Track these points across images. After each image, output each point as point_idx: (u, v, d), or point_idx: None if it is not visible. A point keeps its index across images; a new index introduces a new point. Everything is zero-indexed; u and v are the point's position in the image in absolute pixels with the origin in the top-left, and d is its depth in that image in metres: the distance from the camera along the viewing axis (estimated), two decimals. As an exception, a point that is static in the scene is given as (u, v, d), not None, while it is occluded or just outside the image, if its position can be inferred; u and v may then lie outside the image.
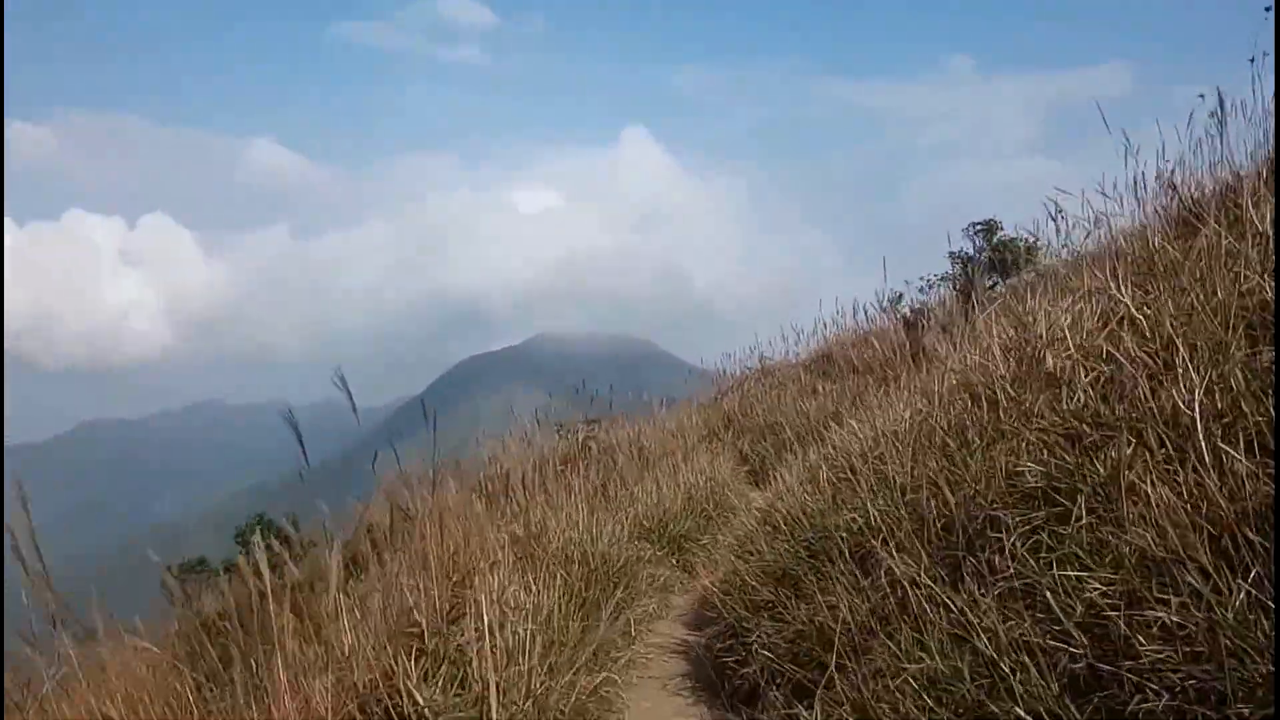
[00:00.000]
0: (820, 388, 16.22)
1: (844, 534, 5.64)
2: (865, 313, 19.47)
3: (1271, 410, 3.64)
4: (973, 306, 14.14)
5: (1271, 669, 2.90)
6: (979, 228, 16.23)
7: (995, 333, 6.84)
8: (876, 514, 5.46)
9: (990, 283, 16.36)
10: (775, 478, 10.90)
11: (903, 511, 5.36)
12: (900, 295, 19.68)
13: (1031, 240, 15.67)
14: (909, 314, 15.51)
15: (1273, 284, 4.37)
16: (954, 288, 16.83)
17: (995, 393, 5.55)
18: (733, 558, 7.26)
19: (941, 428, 5.88)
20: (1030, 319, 6.03)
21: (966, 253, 16.55)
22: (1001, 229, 16.15)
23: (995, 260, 15.93)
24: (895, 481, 5.78)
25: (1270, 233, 4.85)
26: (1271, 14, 5.98)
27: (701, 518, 9.28)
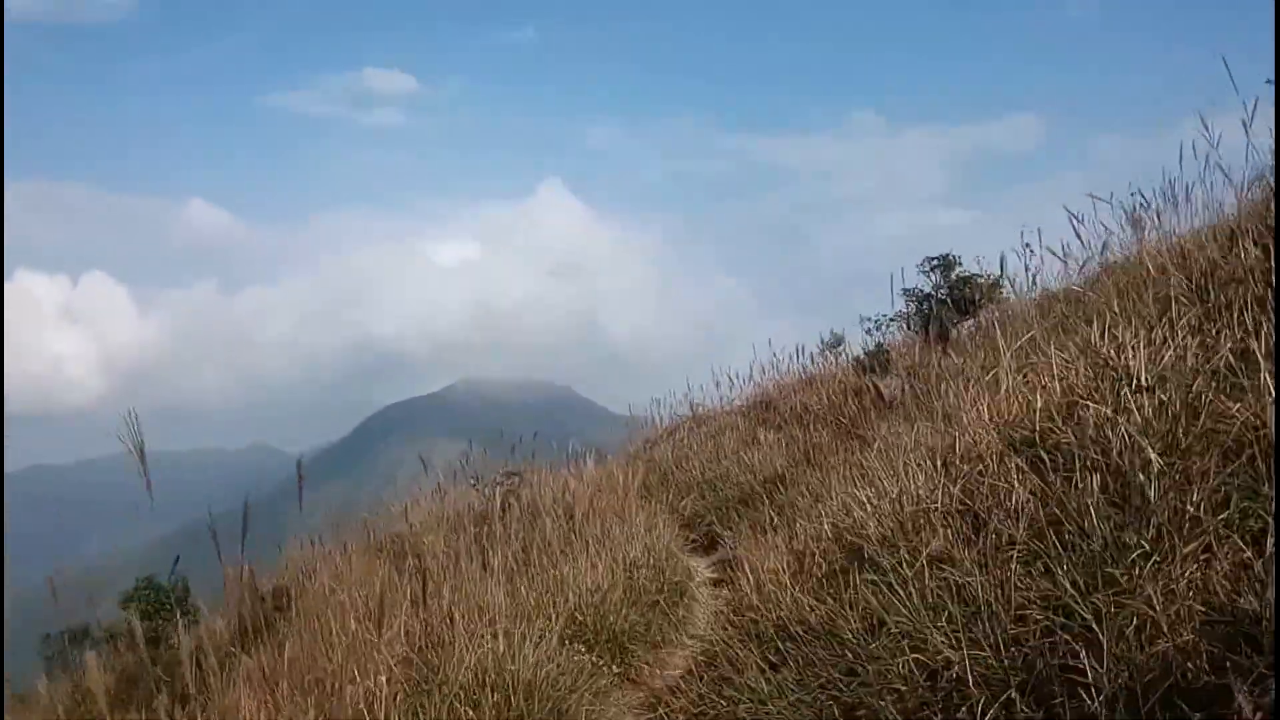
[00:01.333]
0: (762, 436, 14.64)
1: (899, 685, 3.78)
2: (808, 356, 18.10)
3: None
4: (942, 347, 12.77)
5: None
6: (935, 262, 14.87)
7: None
8: (961, 658, 3.56)
9: (952, 321, 15.02)
10: (735, 561, 9.30)
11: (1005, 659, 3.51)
12: (840, 338, 18.29)
13: (992, 277, 14.40)
14: (863, 357, 14.06)
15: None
16: (909, 328, 15.46)
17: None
18: (702, 688, 5.46)
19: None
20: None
21: (922, 290, 15.18)
22: (960, 264, 14.81)
23: (955, 298, 14.59)
24: (985, 603, 3.84)
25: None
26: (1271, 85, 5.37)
27: (646, 605, 7.59)
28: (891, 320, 15.97)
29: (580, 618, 6.53)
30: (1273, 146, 5.34)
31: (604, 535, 8.90)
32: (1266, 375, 3.68)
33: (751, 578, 6.97)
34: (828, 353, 18.20)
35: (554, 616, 6.40)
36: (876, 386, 12.86)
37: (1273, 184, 5.70)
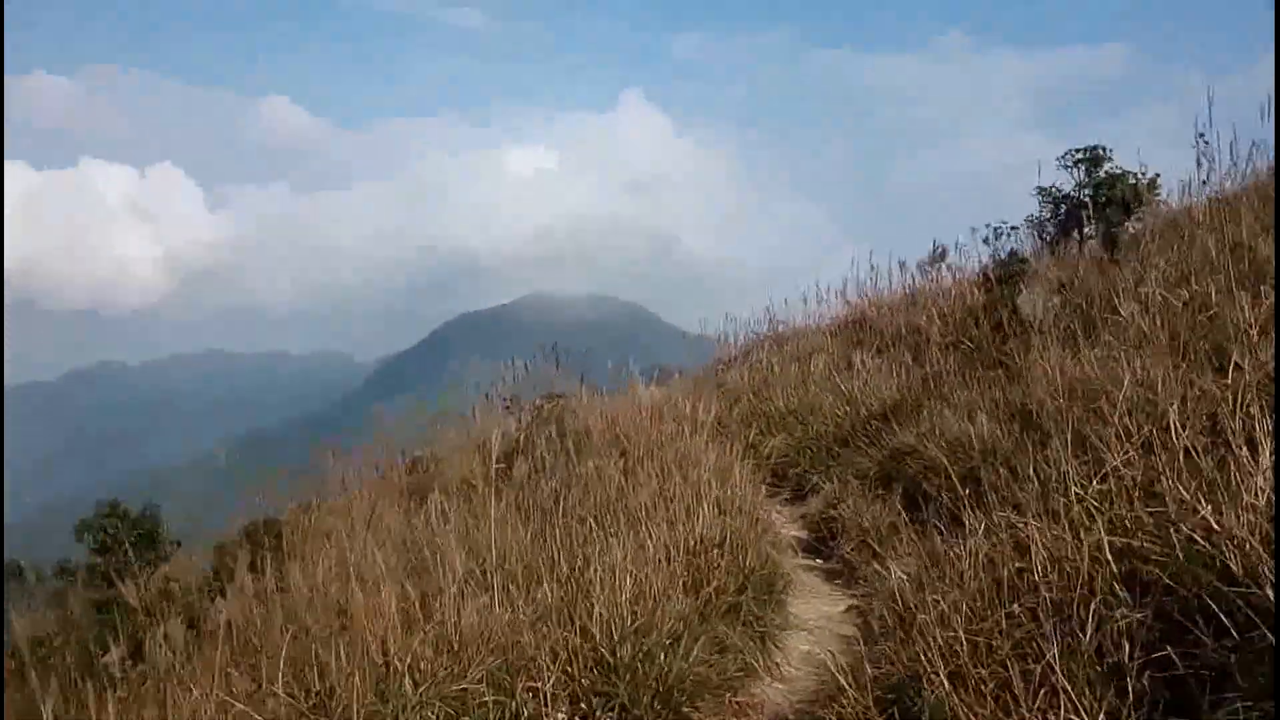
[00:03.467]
0: (858, 360, 12.10)
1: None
2: (909, 274, 15.44)
3: None
4: (1108, 255, 10.10)
5: None
6: (1080, 155, 12.07)
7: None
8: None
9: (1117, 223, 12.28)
10: (842, 527, 6.96)
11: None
12: (945, 251, 15.57)
13: (1150, 176, 11.60)
14: (991, 268, 11.43)
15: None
16: (1040, 236, 12.72)
17: None
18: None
19: None
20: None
21: (1060, 189, 12.43)
22: (1109, 158, 12.01)
23: (1101, 199, 11.85)
24: None
25: None
26: None
27: (725, 617, 5.03)
28: (1014, 229, 13.23)
29: (604, 650, 4.11)
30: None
31: (660, 495, 6.52)
32: None
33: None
34: (931, 267, 15.53)
35: (554, 661, 4.01)
36: (1013, 304, 10.24)
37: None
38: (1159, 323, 7.14)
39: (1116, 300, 8.23)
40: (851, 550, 6.96)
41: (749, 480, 8.71)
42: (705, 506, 6.13)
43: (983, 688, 3.15)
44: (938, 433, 7.93)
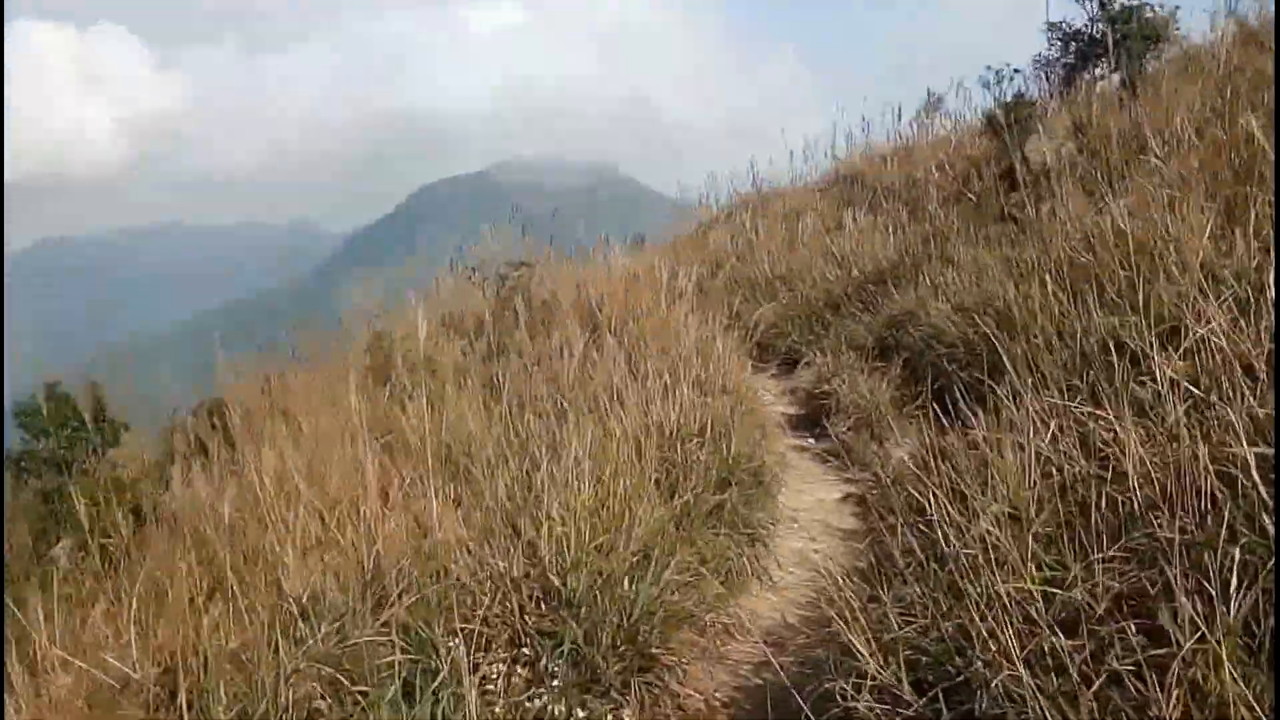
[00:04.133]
0: (849, 220, 11.21)
1: None
2: (905, 123, 14.41)
3: None
4: (1131, 91, 9.12)
5: None
6: (1093, -12, 10.95)
7: None
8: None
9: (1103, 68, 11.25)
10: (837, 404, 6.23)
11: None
12: (941, 99, 14.49)
13: (1171, 8, 10.54)
14: (997, 112, 10.43)
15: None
16: (1049, 79, 11.65)
17: None
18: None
19: None
20: None
21: (1070, 25, 11.34)
22: (1124, -14, 10.90)
23: (1118, 34, 10.78)
24: None
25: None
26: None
27: (707, 520, 4.18)
28: (1017, 72, 12.11)
29: (557, 585, 3.28)
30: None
31: (632, 374, 5.69)
32: None
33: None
34: (927, 117, 14.47)
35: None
36: (1021, 151, 9.30)
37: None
38: (1198, 165, 6.25)
39: (1144, 140, 7.33)
40: (848, 430, 6.20)
41: (733, 354, 7.92)
42: (684, 387, 5.32)
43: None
44: (942, 296, 7.10)
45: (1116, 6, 10.90)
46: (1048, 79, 11.71)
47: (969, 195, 9.50)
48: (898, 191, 11.54)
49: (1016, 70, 11.90)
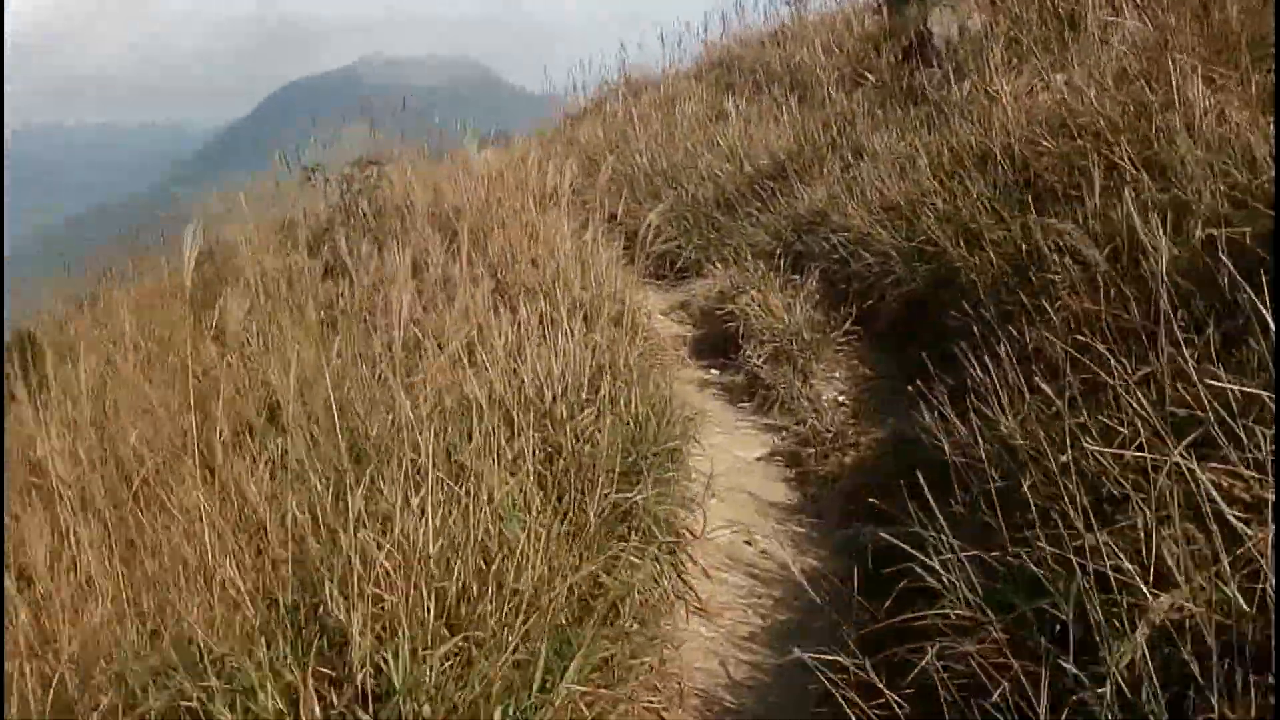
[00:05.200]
0: (731, 107, 10.09)
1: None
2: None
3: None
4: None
5: None
6: None
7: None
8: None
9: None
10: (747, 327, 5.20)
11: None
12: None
13: None
14: (890, -18, 9.36)
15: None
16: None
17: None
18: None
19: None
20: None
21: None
22: None
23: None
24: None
25: None
26: None
27: (611, 541, 2.87)
28: None
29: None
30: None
31: (501, 300, 4.55)
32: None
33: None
34: (803, -4, 13.30)
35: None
36: (925, 25, 8.29)
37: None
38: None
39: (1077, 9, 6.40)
40: (763, 361, 5.17)
41: (619, 267, 6.82)
42: (566, 321, 4.19)
43: None
44: (858, 193, 6.09)
45: None
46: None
47: (867, 77, 8.47)
48: (781, 76, 10.43)
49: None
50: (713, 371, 5.82)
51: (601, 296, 5.43)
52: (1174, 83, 4.07)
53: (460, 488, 2.55)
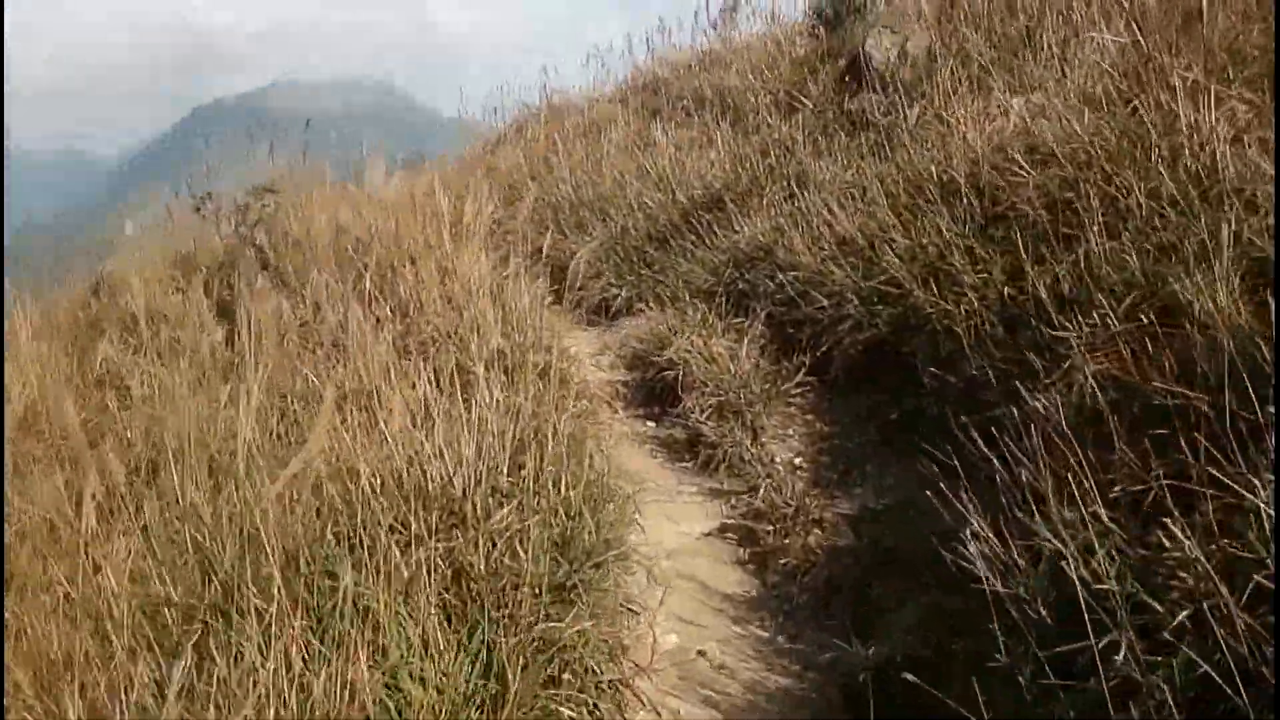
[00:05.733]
0: (660, 133, 9.59)
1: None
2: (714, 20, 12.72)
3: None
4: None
5: None
6: None
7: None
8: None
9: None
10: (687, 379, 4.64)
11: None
12: None
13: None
14: (826, 3, 8.90)
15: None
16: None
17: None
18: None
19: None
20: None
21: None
22: None
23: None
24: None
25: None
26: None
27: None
28: None
29: None
30: None
31: (402, 354, 3.91)
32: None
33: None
34: (728, 19, 12.83)
35: None
36: (863, 49, 7.85)
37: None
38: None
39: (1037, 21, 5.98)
40: (706, 416, 4.58)
41: (544, 307, 6.20)
42: (483, 383, 3.56)
43: None
44: (803, 226, 5.57)
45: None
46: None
47: (803, 101, 7.98)
48: (711, 101, 9.93)
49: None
50: (649, 424, 5.23)
51: (525, 345, 4.82)
52: (1167, 101, 3.61)
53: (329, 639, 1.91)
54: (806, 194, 5.86)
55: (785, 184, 6.41)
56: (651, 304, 6.24)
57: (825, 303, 4.74)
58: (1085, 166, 3.71)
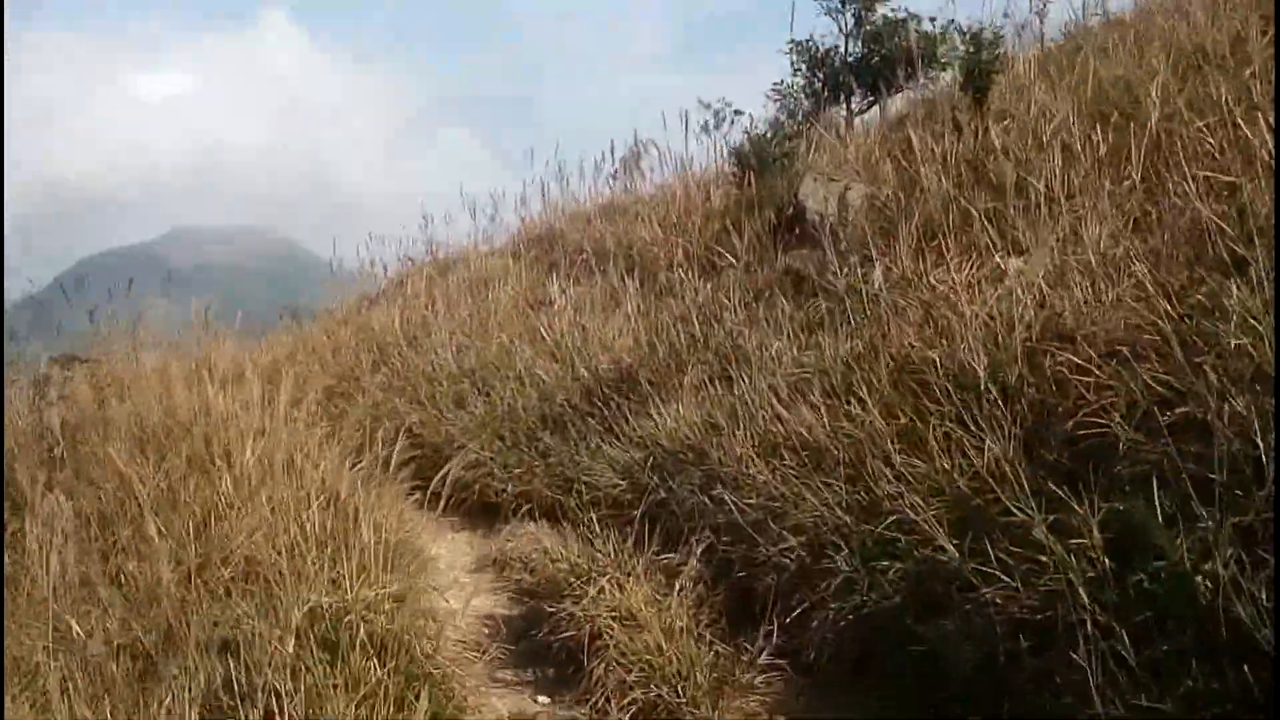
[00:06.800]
0: (556, 290, 8.28)
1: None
2: (612, 171, 11.58)
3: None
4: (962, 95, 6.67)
5: None
6: (852, -3, 8.69)
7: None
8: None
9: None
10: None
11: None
12: (645, 145, 11.68)
13: (939, 26, 8.45)
14: (747, 147, 7.78)
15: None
16: (791, 112, 9.15)
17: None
18: None
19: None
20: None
21: (819, 44, 9.05)
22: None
23: (874, 56, 8.53)
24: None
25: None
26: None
27: None
28: (740, 113, 9.39)
29: None
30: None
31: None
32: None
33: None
34: (630, 169, 11.70)
35: None
36: (794, 198, 6.68)
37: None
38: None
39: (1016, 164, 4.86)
40: (627, 703, 3.07)
41: (397, 519, 4.68)
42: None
43: None
44: (744, 420, 4.20)
45: (877, 18, 8.70)
46: (791, 114, 9.31)
47: (728, 258, 6.75)
48: (614, 256, 8.67)
49: (739, 112, 9.30)
50: (541, 700, 3.68)
51: (356, 600, 3.28)
52: None
53: None
54: (747, 378, 4.50)
55: (714, 362, 5.07)
56: (542, 515, 4.77)
57: (794, 542, 3.33)
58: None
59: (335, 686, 2.91)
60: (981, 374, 3.25)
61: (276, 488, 4.59)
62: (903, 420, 3.39)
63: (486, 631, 4.30)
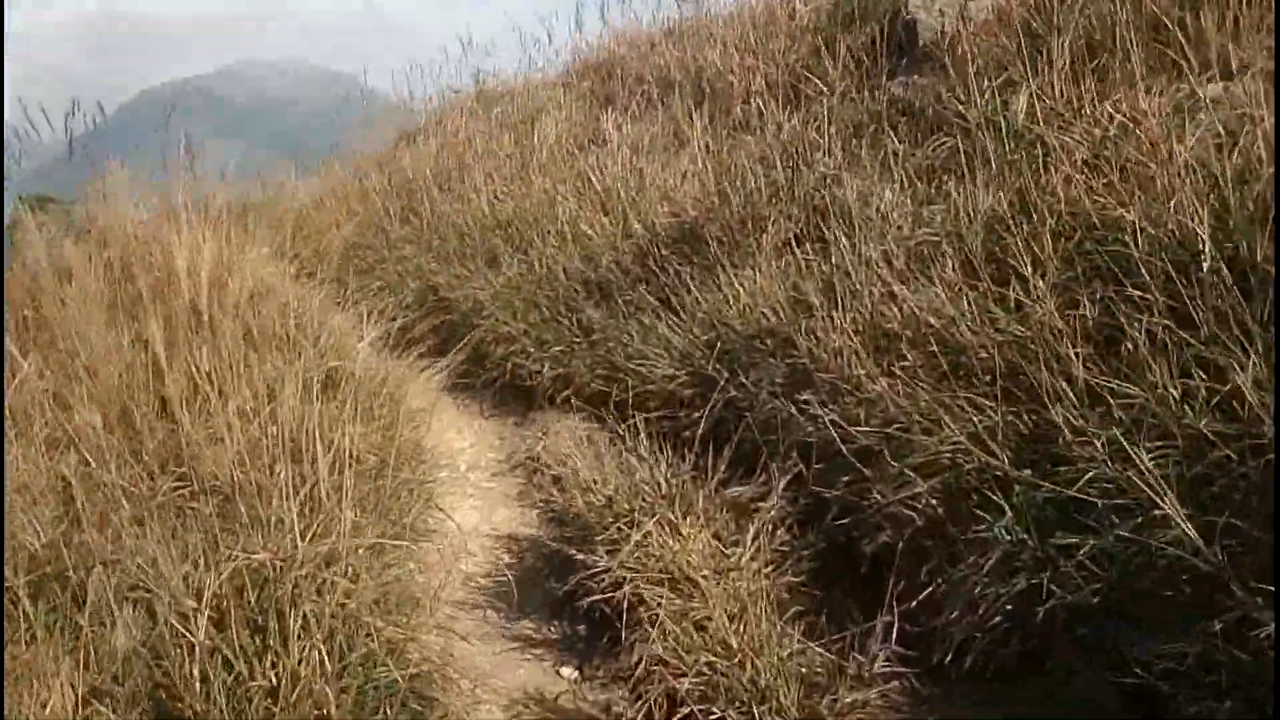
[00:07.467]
0: (611, 126, 7.10)
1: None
2: None
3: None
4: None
5: None
6: None
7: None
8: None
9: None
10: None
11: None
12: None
13: None
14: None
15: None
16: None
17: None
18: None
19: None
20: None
21: None
22: None
23: None
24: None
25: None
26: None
27: None
28: None
29: None
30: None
31: None
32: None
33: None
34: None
35: None
36: (905, 10, 5.44)
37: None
38: None
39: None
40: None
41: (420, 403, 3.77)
42: None
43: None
44: (856, 297, 3.14)
45: None
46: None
47: (817, 85, 5.54)
48: (679, 86, 7.45)
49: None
50: (565, 672, 2.79)
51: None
52: None
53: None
54: (847, 239, 3.41)
55: (802, 217, 3.99)
56: (583, 405, 3.82)
57: (923, 487, 2.32)
58: None
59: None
60: (1206, 244, 2.16)
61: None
62: (1083, 312, 2.33)
63: (507, 560, 3.41)
